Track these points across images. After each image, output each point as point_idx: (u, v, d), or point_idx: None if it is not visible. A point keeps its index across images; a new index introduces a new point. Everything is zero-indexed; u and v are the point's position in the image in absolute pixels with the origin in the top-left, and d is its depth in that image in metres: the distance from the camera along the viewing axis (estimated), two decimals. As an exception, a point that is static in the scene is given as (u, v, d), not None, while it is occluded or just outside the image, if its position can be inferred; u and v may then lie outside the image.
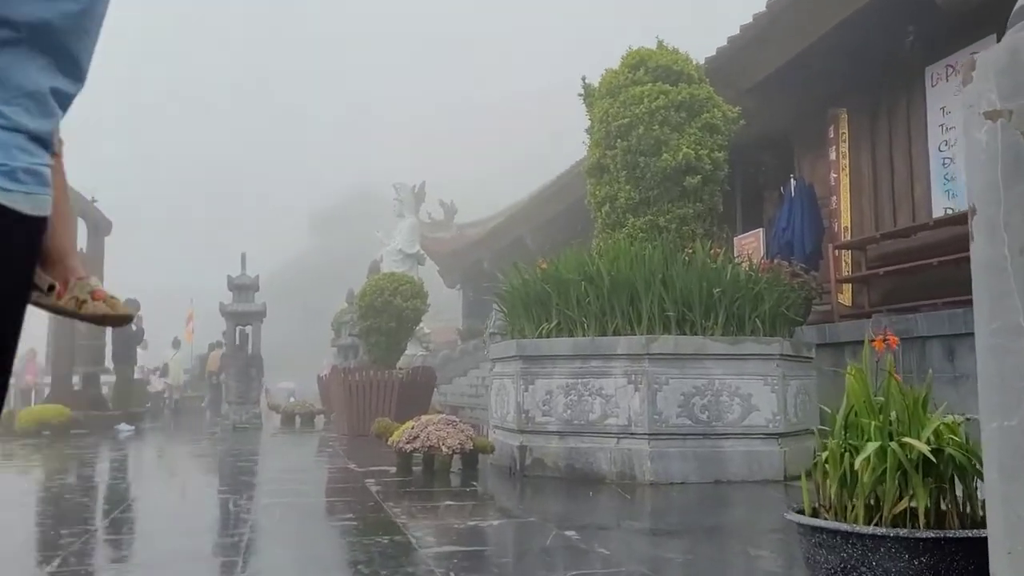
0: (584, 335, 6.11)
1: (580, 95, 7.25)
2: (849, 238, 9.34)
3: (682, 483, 5.59)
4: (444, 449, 6.10)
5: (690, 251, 6.17)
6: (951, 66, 8.04)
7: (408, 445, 6.22)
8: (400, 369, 10.90)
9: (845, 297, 9.00)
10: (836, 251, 8.90)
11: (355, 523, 4.25)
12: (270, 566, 3.41)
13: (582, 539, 3.68)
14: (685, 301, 5.94)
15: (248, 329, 13.69)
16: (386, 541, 3.67)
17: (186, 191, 61.99)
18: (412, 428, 6.34)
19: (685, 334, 5.93)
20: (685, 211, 6.46)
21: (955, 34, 7.90)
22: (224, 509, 5.00)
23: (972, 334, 5.09)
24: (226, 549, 3.65)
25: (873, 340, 2.32)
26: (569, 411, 5.96)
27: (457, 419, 6.54)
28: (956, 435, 2.16)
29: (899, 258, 8.43)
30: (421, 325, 12.95)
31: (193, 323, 26.74)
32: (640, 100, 6.49)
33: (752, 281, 6.02)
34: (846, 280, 8.85)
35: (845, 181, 9.43)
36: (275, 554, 3.69)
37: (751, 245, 9.96)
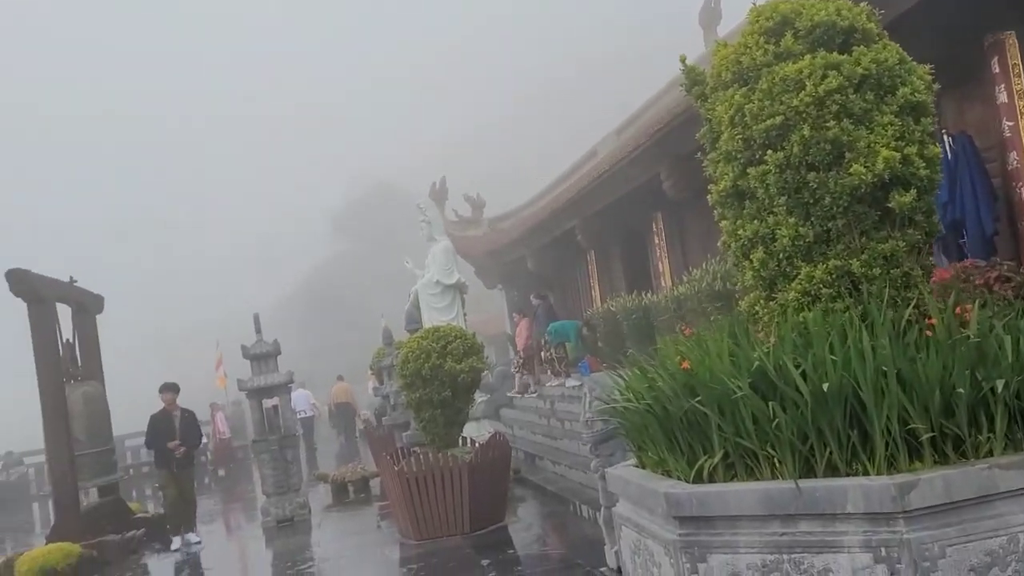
0: (774, 476, 3.82)
1: (682, 86, 4.86)
2: (1044, 205, 6.87)
3: None
4: None
5: (929, 319, 3.81)
6: None
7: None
8: (467, 449, 8.68)
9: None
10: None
11: None
12: None
13: None
14: (941, 405, 3.62)
15: (276, 402, 11.57)
16: None
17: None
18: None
19: (948, 460, 3.62)
20: (894, 244, 4.08)
21: None
22: None
23: None
24: None
25: None
26: (776, 607, 3.69)
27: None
28: None
29: None
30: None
31: (223, 367, 24.65)
32: (798, 84, 4.11)
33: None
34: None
35: (1028, 129, 6.93)
36: None
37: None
